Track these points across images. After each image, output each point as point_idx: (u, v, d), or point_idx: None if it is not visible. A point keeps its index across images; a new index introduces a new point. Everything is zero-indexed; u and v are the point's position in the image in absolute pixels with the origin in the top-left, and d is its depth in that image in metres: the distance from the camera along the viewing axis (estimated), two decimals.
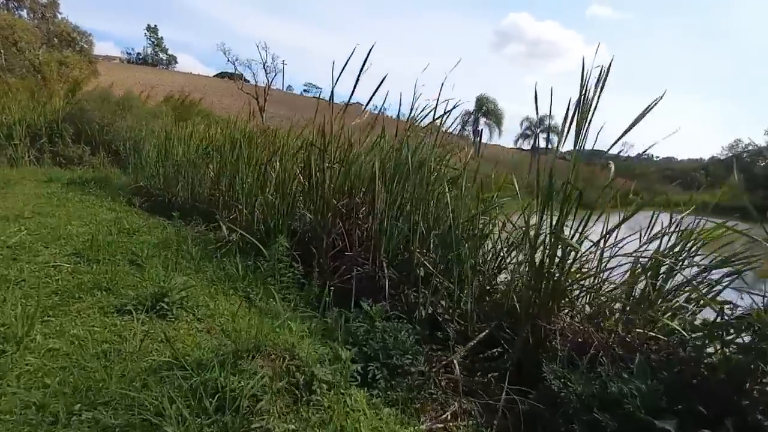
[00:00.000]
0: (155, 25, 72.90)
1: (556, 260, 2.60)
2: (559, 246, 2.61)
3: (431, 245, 3.53)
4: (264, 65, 27.81)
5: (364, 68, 3.56)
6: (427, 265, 3.23)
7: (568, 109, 2.57)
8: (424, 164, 3.82)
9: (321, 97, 4.69)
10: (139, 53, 72.31)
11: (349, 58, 3.60)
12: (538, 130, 40.11)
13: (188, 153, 6.50)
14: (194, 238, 4.42)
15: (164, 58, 73.61)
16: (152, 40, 72.53)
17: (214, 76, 59.30)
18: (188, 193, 6.24)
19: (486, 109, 39.31)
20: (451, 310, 3.09)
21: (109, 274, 2.97)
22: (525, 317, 2.73)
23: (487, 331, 2.88)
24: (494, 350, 2.91)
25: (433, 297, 3.15)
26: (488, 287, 3.28)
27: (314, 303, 3.33)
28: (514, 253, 3.29)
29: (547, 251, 2.61)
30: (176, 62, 75.28)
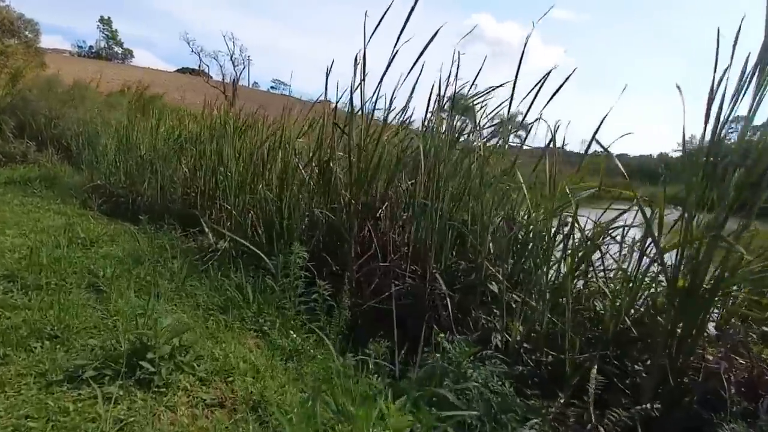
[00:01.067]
0: (109, 17, 68.33)
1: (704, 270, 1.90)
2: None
3: (488, 251, 2.77)
4: (231, 57, 26.18)
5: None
6: (500, 277, 2.46)
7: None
8: (471, 151, 3.07)
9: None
10: (91, 47, 67.53)
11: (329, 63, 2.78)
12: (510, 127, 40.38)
13: (156, 144, 5.45)
14: (172, 248, 3.47)
15: (119, 52, 69.05)
16: (106, 33, 67.91)
17: (175, 71, 56.26)
18: (158, 192, 5.20)
19: (461, 106, 39.16)
20: (535, 337, 2.34)
21: (57, 309, 2.01)
22: (659, 347, 2.02)
23: (595, 366, 2.15)
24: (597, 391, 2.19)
25: (509, 319, 2.40)
26: (579, 305, 2.55)
27: (346, 332, 2.51)
28: (603, 260, 2.58)
29: (692, 259, 1.91)
30: (133, 57, 70.93)
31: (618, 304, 2.27)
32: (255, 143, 4.24)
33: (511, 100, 2.70)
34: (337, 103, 3.47)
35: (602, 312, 2.42)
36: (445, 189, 2.75)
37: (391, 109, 3.24)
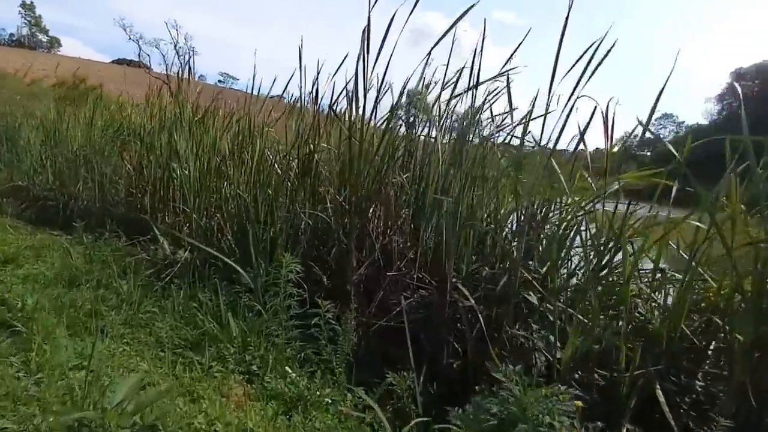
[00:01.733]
0: (31, 2, 61.61)
1: None
2: None
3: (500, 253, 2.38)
4: (176, 46, 24.09)
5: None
6: (536, 285, 2.07)
7: None
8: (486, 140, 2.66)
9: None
10: (12, 34, 60.69)
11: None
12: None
13: (92, 136, 4.60)
14: (118, 262, 2.79)
15: (45, 40, 62.65)
16: (28, 19, 61.26)
17: (111, 62, 51.94)
18: (95, 193, 4.37)
19: (416, 102, 39.18)
20: (585, 355, 1.97)
21: None
22: (738, 360, 1.71)
23: (657, 386, 1.81)
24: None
25: (549, 334, 2.01)
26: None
27: (352, 360, 2.02)
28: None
29: None
30: (60, 45, 64.57)
31: (674, 310, 1.95)
32: (219, 134, 3.59)
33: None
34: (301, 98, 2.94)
35: (651, 319, 2.10)
36: (461, 181, 2.31)
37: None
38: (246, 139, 3.28)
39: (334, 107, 3.05)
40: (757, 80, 36.70)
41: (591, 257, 2.00)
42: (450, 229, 2.13)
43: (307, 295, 2.29)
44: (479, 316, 2.00)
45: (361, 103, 2.55)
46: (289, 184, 3.07)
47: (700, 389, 1.97)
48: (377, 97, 2.53)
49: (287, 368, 1.79)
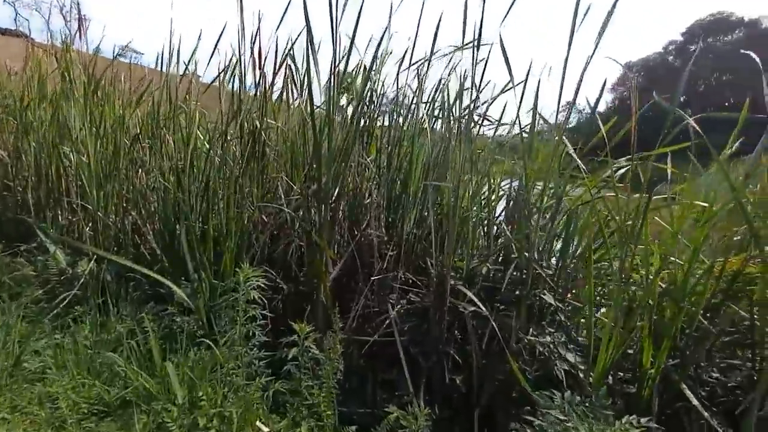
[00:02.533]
0: None
1: None
2: None
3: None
4: (62, 10, 20.37)
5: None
6: (551, 282, 1.77)
7: None
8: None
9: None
10: None
11: None
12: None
13: None
14: None
15: None
16: None
17: None
18: None
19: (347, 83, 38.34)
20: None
21: None
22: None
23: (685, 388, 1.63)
24: None
25: (566, 338, 1.74)
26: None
27: (337, 391, 1.57)
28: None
29: None
30: None
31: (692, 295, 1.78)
32: (128, 108, 2.79)
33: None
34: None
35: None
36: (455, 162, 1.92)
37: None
38: (168, 114, 2.57)
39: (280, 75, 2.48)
40: (642, 72, 41.27)
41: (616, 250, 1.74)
42: (452, 219, 1.74)
43: (268, 311, 1.77)
44: (493, 323, 1.66)
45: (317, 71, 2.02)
46: (227, 170, 2.45)
47: (713, 380, 1.86)
48: (343, 57, 2.02)
49: (259, 425, 1.29)
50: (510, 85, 1.85)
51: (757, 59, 1.56)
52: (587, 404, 1.21)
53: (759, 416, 1.54)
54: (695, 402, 1.61)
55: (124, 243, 2.43)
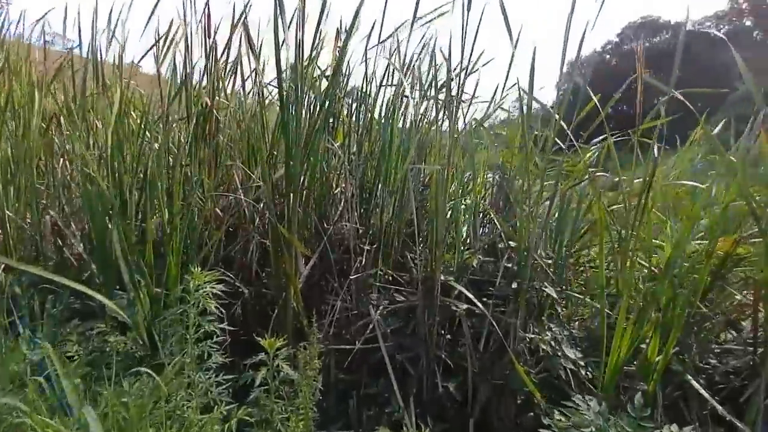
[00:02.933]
0: None
1: None
2: None
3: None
4: None
5: None
6: (551, 274, 1.59)
7: None
8: None
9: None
10: None
11: None
12: None
13: None
14: None
15: None
16: None
17: None
18: None
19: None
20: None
21: None
22: None
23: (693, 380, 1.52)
24: None
25: (566, 336, 1.57)
26: None
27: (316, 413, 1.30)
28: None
29: None
30: None
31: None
32: (42, 85, 2.31)
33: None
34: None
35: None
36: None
37: None
38: (94, 93, 2.15)
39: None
40: (587, 68, 43.67)
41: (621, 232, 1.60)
42: (441, 208, 1.52)
43: (227, 323, 1.46)
44: (491, 320, 1.46)
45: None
46: (170, 158, 2.07)
47: (709, 367, 1.78)
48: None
49: None
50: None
51: (733, 49, 1.48)
52: (622, 418, 1.04)
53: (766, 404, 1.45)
54: (704, 393, 1.50)
55: (40, 247, 2.00)
